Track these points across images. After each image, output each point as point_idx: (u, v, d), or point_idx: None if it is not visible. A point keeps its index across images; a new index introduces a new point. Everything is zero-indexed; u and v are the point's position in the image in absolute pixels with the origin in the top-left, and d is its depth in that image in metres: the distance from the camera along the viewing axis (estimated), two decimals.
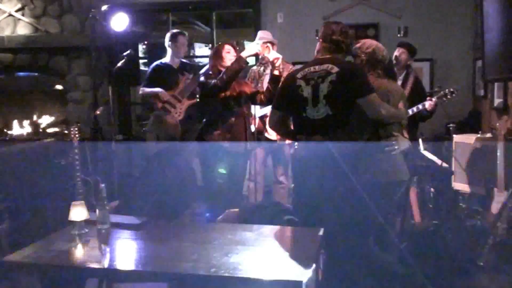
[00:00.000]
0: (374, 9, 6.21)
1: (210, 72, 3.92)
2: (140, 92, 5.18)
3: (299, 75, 3.09)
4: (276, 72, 3.82)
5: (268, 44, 3.98)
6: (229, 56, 3.91)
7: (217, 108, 3.89)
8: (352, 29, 6.10)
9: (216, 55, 3.94)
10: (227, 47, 3.96)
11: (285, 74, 3.74)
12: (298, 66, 3.61)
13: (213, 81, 3.76)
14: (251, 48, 3.75)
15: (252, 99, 4.04)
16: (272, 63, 3.82)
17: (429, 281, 3.39)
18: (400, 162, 3.13)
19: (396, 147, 3.09)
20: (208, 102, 3.94)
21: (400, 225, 3.63)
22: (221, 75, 3.72)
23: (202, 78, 3.89)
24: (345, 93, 2.92)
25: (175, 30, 5.16)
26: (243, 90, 3.98)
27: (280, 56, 3.83)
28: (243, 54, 3.72)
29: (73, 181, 4.40)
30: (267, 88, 3.90)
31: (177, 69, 5.09)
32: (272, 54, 3.82)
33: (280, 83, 3.43)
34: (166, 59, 5.10)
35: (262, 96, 3.97)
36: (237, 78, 3.83)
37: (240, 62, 3.68)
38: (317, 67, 3.04)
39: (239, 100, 3.95)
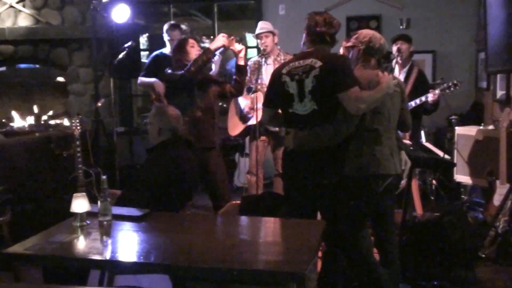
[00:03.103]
0: (377, 1, 6.18)
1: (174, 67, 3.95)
2: (138, 81, 5.18)
3: (284, 71, 3.03)
4: (241, 62, 3.99)
5: (233, 37, 4.00)
6: (193, 50, 3.99)
7: (182, 102, 3.87)
8: (354, 20, 6.19)
9: (180, 50, 3.99)
10: (191, 42, 4.04)
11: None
12: None
13: (180, 72, 3.78)
14: (217, 41, 3.88)
15: (222, 92, 4.03)
16: (236, 55, 3.98)
17: (430, 273, 3.39)
18: (386, 156, 3.02)
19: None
20: (175, 95, 3.97)
21: (402, 218, 3.62)
22: (188, 66, 3.77)
23: (169, 71, 3.92)
24: (329, 88, 2.87)
25: (171, 22, 5.15)
26: (211, 85, 3.98)
27: (243, 47, 3.97)
28: (211, 46, 3.85)
29: (74, 173, 4.41)
30: (235, 79, 4.00)
31: None
32: (237, 46, 3.94)
33: (269, 79, 3.38)
34: (166, 50, 5.09)
35: (232, 89, 4.02)
36: (204, 70, 3.88)
37: (208, 54, 3.80)
38: (301, 61, 2.98)
39: (206, 94, 3.93)
